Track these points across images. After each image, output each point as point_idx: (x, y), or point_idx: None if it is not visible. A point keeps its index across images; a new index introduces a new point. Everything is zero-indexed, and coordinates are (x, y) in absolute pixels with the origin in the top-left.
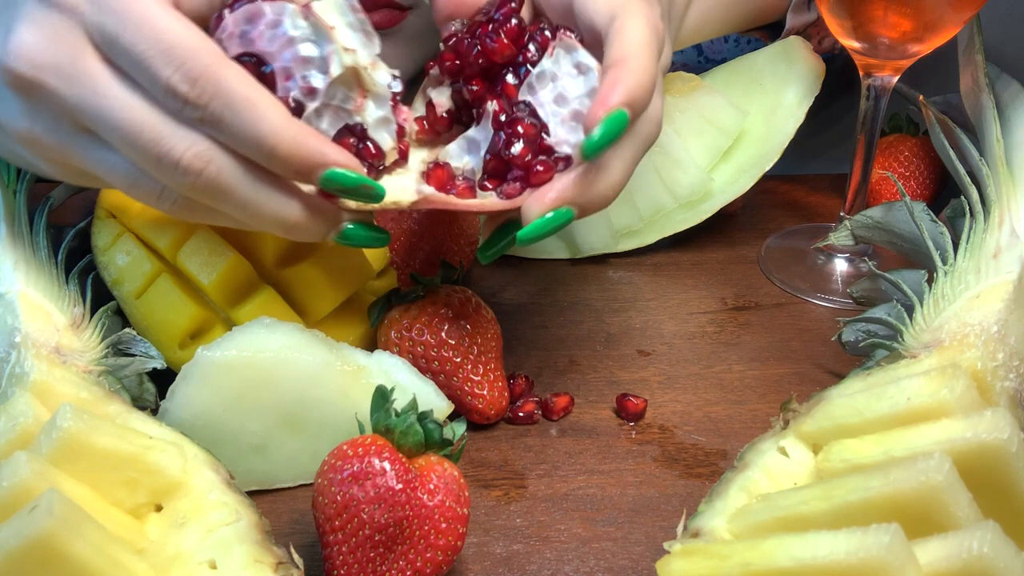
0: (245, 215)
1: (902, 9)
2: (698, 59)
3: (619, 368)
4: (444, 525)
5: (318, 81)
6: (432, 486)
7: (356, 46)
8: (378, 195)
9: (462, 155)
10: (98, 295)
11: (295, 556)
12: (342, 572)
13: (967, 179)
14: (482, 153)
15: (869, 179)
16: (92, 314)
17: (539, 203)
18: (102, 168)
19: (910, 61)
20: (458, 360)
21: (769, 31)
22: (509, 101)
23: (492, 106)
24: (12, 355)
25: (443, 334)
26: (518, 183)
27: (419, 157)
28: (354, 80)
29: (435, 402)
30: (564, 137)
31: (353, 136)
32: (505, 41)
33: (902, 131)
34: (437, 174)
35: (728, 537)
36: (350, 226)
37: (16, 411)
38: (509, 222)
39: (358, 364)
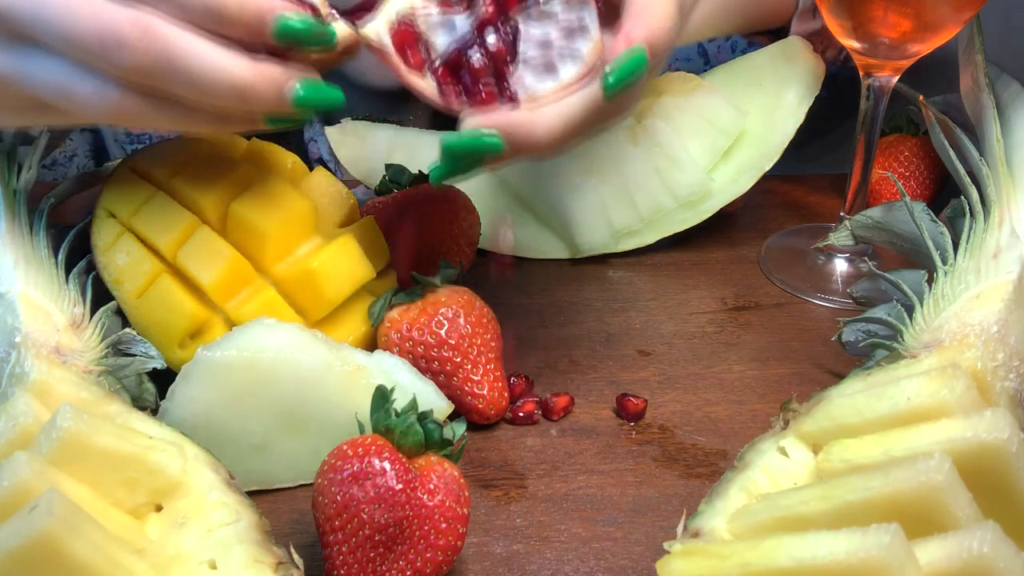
0: (196, 86)
1: (902, 9)
2: (704, 67)
3: (619, 368)
4: (444, 525)
5: None
6: (432, 486)
7: None
8: (331, 37)
9: (438, 31)
10: (98, 295)
11: (295, 556)
12: (342, 572)
13: (967, 179)
14: (451, 40)
15: (869, 179)
16: (92, 314)
17: (475, 118)
18: (36, 79)
19: (910, 61)
20: (458, 360)
21: (773, 38)
22: (504, 11)
23: (485, 6)
24: (12, 355)
25: (443, 334)
26: (460, 90)
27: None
28: None
29: (435, 402)
30: (525, 79)
31: None
32: None
33: (902, 131)
34: (402, 32)
35: (728, 537)
36: (300, 85)
37: (16, 411)
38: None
39: (358, 364)
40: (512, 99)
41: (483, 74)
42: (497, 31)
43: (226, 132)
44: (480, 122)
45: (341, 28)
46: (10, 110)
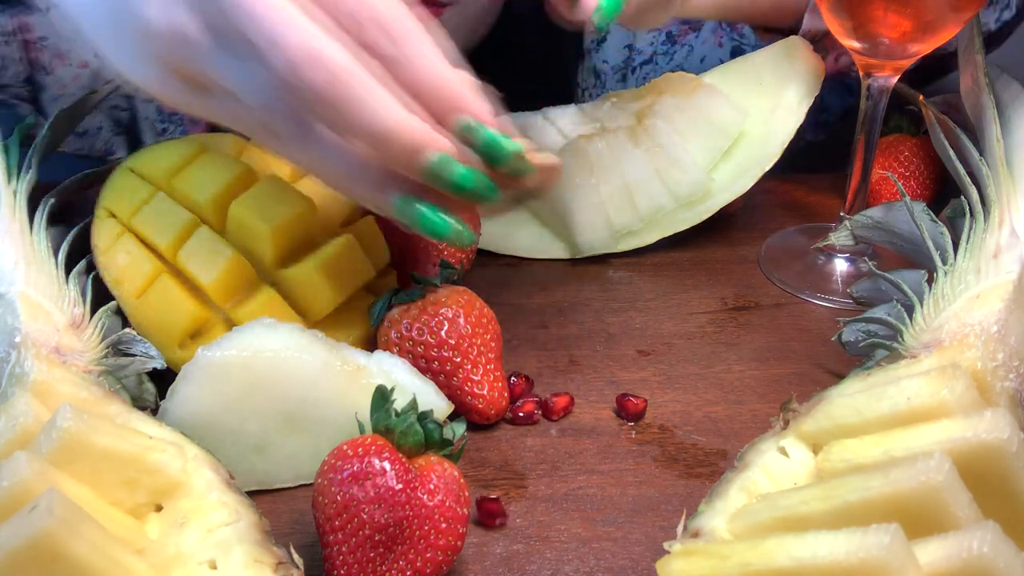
0: (364, 124)
1: (902, 9)
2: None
3: (619, 368)
4: (444, 525)
5: None
6: (432, 486)
7: None
8: (490, 192)
9: None
10: (98, 295)
11: (295, 556)
12: (342, 572)
13: (967, 179)
14: None
15: (869, 179)
16: (92, 314)
17: None
18: (233, 77)
19: (910, 61)
20: (458, 360)
21: (784, 36)
22: None
23: None
24: (12, 355)
25: (443, 334)
26: None
27: None
28: None
29: (435, 402)
30: None
31: None
32: None
33: (902, 131)
34: None
35: (728, 537)
36: (437, 158)
37: (16, 411)
38: None
39: (358, 364)
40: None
41: None
42: None
43: (353, 192)
44: None
45: (544, 157)
46: (186, 97)
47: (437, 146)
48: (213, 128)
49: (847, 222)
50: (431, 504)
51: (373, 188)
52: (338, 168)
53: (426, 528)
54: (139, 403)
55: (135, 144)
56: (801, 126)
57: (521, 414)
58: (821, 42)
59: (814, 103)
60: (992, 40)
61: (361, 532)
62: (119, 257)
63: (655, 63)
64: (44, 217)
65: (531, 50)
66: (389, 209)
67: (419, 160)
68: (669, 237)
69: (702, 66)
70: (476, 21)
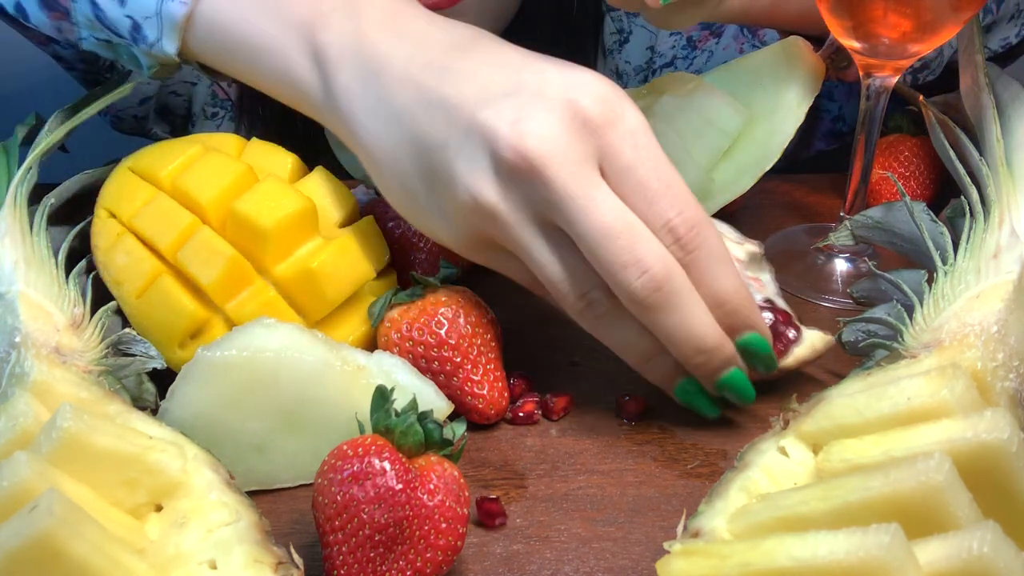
0: (680, 325)
1: (902, 9)
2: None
3: (619, 368)
4: (444, 525)
5: None
6: (432, 486)
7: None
8: (749, 396)
9: None
10: (98, 295)
11: (295, 556)
12: (342, 572)
13: (967, 179)
14: None
15: (869, 179)
16: (92, 314)
17: None
18: (540, 262)
19: (910, 61)
20: (458, 360)
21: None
22: None
23: None
24: (12, 355)
25: (443, 334)
26: None
27: None
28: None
29: (435, 402)
30: None
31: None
32: None
33: (902, 131)
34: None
35: (728, 537)
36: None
37: (16, 411)
38: None
39: (358, 364)
40: None
41: None
42: None
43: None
44: None
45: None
46: (481, 259)
47: (736, 363)
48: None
49: (847, 222)
50: (431, 504)
51: (663, 377)
52: (637, 354)
53: (426, 528)
54: (139, 403)
55: (181, 129)
56: (814, 135)
57: (521, 414)
58: (845, 50)
59: (832, 111)
60: (1014, 54)
61: (361, 532)
62: (119, 257)
63: (675, 67)
64: (44, 217)
65: (549, 48)
66: (671, 390)
67: (718, 374)
68: None
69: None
70: (494, 18)
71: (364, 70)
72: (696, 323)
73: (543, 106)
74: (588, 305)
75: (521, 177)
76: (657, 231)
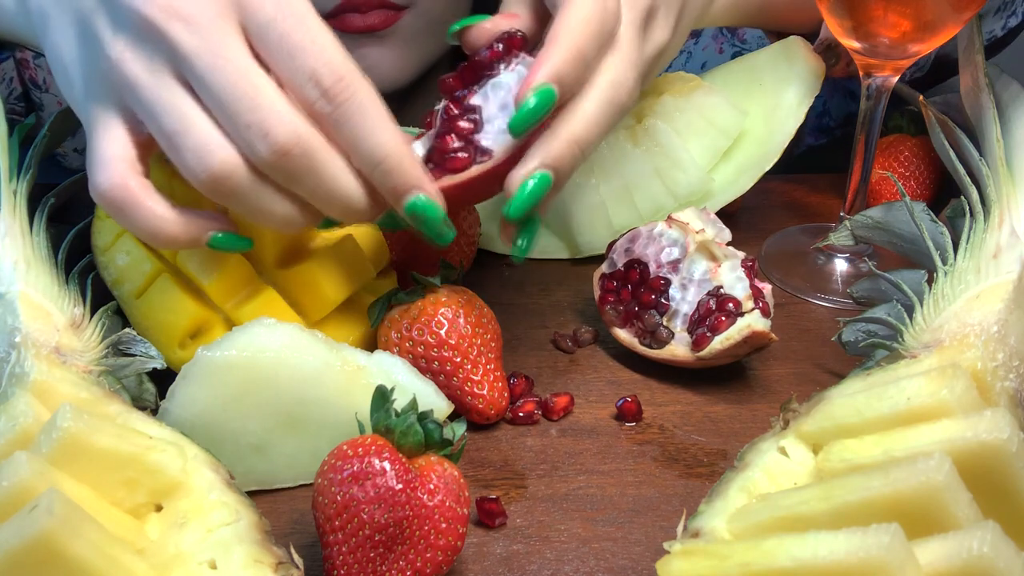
0: (318, 191)
1: (902, 9)
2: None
3: (619, 368)
4: (444, 525)
5: (678, 253)
6: (432, 486)
7: (706, 228)
8: (446, 240)
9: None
10: (98, 295)
11: (295, 556)
12: (342, 572)
13: (967, 179)
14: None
15: (869, 179)
16: (92, 314)
17: (516, 174)
18: (172, 118)
19: (910, 61)
20: (458, 360)
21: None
22: (462, 105)
23: (442, 105)
24: (12, 355)
25: (443, 334)
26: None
27: None
28: (707, 253)
29: (435, 402)
30: (494, 137)
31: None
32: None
33: (902, 131)
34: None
35: (728, 537)
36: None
37: (16, 411)
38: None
39: (358, 364)
40: (486, 152)
41: (450, 144)
42: (455, 115)
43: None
44: (524, 172)
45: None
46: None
47: (421, 186)
48: None
49: (847, 222)
50: (431, 504)
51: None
52: (285, 222)
53: (426, 528)
54: (139, 403)
55: None
56: (802, 131)
57: (521, 414)
58: (836, 48)
59: (816, 107)
60: (998, 46)
61: (361, 532)
62: (119, 257)
63: None
64: (44, 217)
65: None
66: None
67: (407, 195)
68: None
69: (703, 72)
70: (442, 23)
71: None
72: (335, 187)
73: None
74: (219, 176)
75: (149, 34)
76: (303, 86)
